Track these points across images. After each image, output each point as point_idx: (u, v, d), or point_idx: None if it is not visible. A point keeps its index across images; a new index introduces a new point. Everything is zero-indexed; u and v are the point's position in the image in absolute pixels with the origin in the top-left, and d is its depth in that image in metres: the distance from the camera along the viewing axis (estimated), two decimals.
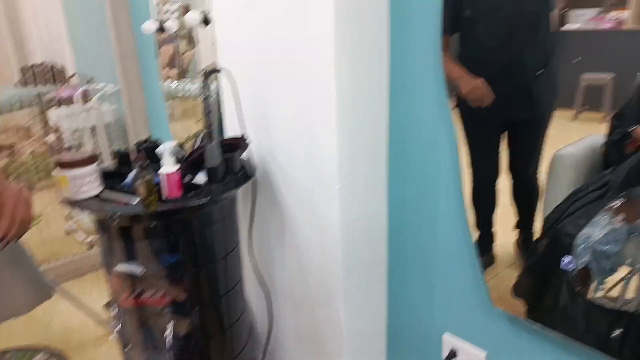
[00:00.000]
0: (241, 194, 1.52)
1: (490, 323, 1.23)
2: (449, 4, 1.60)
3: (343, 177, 1.18)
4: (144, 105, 2.61)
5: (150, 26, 1.96)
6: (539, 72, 1.82)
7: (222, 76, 1.42)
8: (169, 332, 1.33)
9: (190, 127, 3.06)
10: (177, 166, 1.17)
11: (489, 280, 1.49)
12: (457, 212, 1.23)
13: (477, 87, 1.66)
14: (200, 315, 1.35)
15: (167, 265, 1.28)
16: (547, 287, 1.55)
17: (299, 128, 1.25)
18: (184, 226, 1.24)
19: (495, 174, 1.90)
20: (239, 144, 1.32)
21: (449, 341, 1.31)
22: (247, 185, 1.40)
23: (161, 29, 2.02)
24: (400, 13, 1.15)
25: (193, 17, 1.71)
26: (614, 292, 1.57)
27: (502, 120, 1.83)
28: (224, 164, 1.26)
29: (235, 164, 1.29)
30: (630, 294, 1.45)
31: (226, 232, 1.35)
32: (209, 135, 1.17)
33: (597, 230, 1.45)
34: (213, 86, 1.31)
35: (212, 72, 1.15)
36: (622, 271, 1.48)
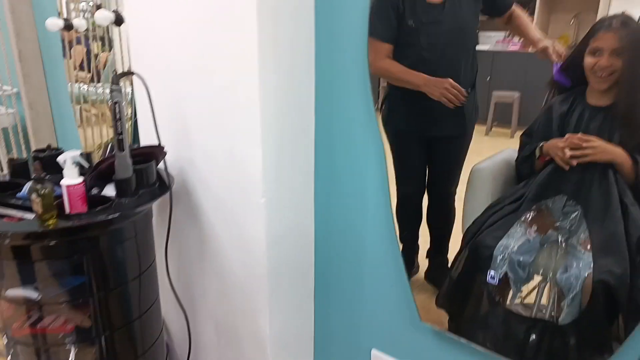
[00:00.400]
0: (158, 207, 1.41)
1: (418, 338, 1.22)
2: (392, 11, 1.59)
3: (268, 190, 1.12)
4: (48, 109, 2.37)
5: (54, 23, 1.78)
6: (469, 88, 1.88)
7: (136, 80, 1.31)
8: None
9: (105, 134, 2.83)
10: (81, 178, 1.04)
11: (415, 293, 1.49)
12: (385, 225, 1.22)
13: (448, 88, 1.64)
14: (109, 342, 1.21)
15: (70, 288, 1.14)
16: (468, 297, 1.59)
17: (221, 138, 1.17)
18: (91, 244, 1.11)
19: (422, 190, 1.92)
20: (155, 153, 1.22)
21: (378, 356, 1.28)
22: (166, 197, 1.30)
23: (69, 27, 1.85)
24: (327, 23, 1.12)
25: (104, 16, 1.58)
26: (529, 300, 1.65)
27: (431, 136, 1.85)
28: (137, 175, 1.15)
29: (150, 175, 1.19)
30: (543, 301, 1.52)
31: (140, 249, 1.23)
32: (119, 144, 1.06)
33: (513, 241, 1.51)
34: (126, 90, 1.19)
35: (121, 76, 1.05)
36: (536, 280, 1.55)
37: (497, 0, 1.81)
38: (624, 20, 1.46)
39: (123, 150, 1.07)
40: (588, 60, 1.48)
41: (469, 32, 1.75)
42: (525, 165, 1.65)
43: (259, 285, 1.22)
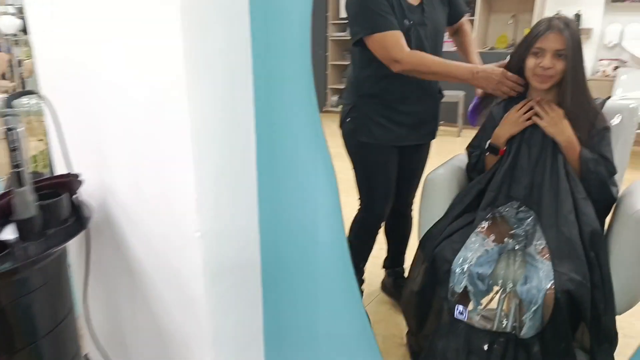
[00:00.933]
0: (79, 244, 1.22)
1: None
2: (389, 7, 1.44)
3: (204, 222, 0.97)
4: None
5: None
6: (439, 91, 1.80)
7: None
8: None
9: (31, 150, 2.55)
10: None
11: (375, 305, 1.39)
12: (339, 253, 1.09)
13: (504, 80, 1.47)
14: None
15: None
16: (428, 311, 1.51)
17: (146, 164, 1.01)
18: None
19: (390, 204, 1.82)
20: (68, 184, 1.03)
21: None
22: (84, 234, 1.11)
23: None
24: (264, 30, 0.98)
25: (8, 23, 1.36)
26: (490, 313, 1.59)
27: (405, 145, 1.74)
28: (45, 212, 0.96)
29: (61, 210, 1.00)
30: (504, 312, 1.46)
31: (53, 299, 1.04)
32: (17, 179, 0.87)
33: (472, 252, 1.44)
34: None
35: (17, 96, 0.87)
36: (496, 291, 1.49)
37: (456, 8, 1.75)
38: (566, 21, 1.44)
39: (23, 185, 0.89)
40: (530, 61, 1.45)
41: (441, 35, 1.69)
42: (475, 174, 1.60)
43: (199, 334, 1.06)
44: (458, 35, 1.83)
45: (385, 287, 2.09)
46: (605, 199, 1.41)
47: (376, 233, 1.81)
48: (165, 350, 1.17)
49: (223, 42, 0.92)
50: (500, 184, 1.50)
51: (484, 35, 5.49)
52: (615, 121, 1.54)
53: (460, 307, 1.34)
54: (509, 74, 1.49)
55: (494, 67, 1.51)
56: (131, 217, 1.10)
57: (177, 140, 0.93)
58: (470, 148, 1.64)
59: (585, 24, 4.79)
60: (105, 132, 1.06)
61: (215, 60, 0.92)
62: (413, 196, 1.93)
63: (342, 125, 1.67)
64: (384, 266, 2.09)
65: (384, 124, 1.62)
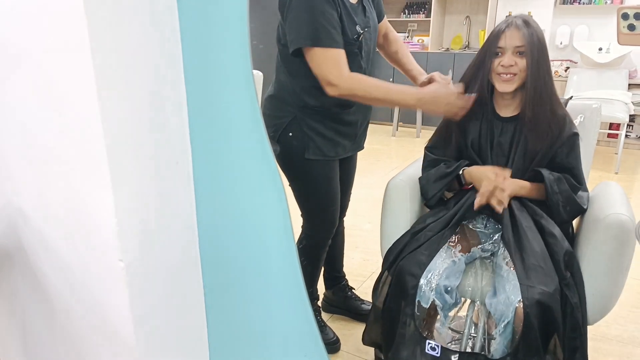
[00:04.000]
0: None
1: None
2: (335, 14, 1.28)
3: (129, 249, 0.81)
4: None
5: None
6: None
7: None
8: None
9: None
10: None
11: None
12: (292, 273, 0.96)
13: (466, 100, 1.37)
14: None
15: None
16: (395, 331, 1.40)
17: (56, 180, 0.84)
18: None
19: (338, 211, 1.69)
20: None
21: None
22: None
23: None
24: (195, 28, 0.84)
25: None
26: (457, 325, 1.50)
27: (346, 156, 1.61)
28: None
29: None
30: (472, 328, 1.38)
31: None
32: None
33: (439, 265, 1.35)
34: None
35: None
36: (464, 304, 1.41)
37: (379, 7, 1.57)
38: (525, 19, 1.37)
39: None
40: (492, 62, 1.37)
41: (376, 37, 1.55)
42: (437, 185, 1.48)
43: None
44: (388, 43, 1.66)
45: (332, 304, 1.96)
46: (575, 213, 1.36)
47: (327, 246, 1.66)
48: None
49: (143, 39, 0.77)
50: (469, 198, 1.42)
51: (439, 36, 5.51)
52: (577, 121, 1.49)
53: (432, 343, 1.24)
54: (461, 94, 1.40)
55: (437, 88, 1.39)
56: (45, 242, 0.92)
57: (90, 154, 0.77)
58: (428, 150, 1.55)
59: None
60: (6, 143, 0.88)
61: (134, 59, 0.76)
62: (347, 206, 1.83)
63: (279, 139, 1.47)
64: (328, 287, 1.95)
65: (332, 138, 1.48)
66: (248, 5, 0.79)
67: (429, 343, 1.23)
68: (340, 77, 1.28)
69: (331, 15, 1.27)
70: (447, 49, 5.47)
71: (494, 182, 1.35)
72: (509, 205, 1.36)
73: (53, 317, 0.98)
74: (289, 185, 1.54)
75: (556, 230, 1.30)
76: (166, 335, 0.92)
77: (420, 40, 5.48)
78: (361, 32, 1.37)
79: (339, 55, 1.29)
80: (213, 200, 0.91)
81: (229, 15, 0.82)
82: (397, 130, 5.14)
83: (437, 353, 1.20)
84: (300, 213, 1.59)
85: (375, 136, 5.03)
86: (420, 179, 1.51)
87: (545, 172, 1.33)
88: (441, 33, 5.54)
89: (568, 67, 4.80)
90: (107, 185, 0.77)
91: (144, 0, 0.76)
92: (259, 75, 2.28)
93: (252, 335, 1.00)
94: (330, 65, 1.27)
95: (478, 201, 1.36)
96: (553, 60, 4.97)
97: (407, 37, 5.59)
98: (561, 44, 4.96)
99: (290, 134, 1.46)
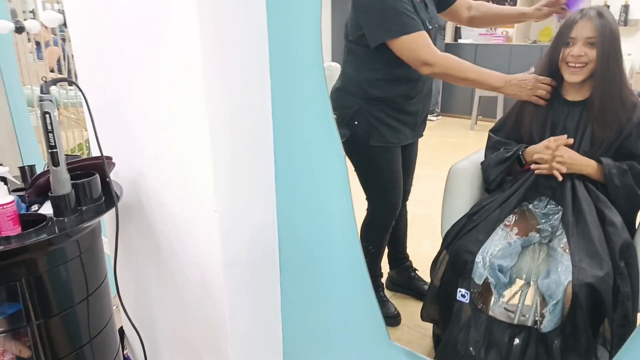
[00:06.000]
0: (109, 221, 1.31)
1: (388, 358, 1.14)
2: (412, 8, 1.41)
3: (221, 203, 1.03)
4: (8, 115, 2.25)
5: (4, 26, 1.67)
6: (430, 87, 1.78)
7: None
8: None
9: (78, 137, 2.71)
10: (11, 197, 0.94)
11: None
12: (351, 237, 1.12)
13: (539, 85, 1.40)
14: None
15: (5, 317, 1.03)
16: (451, 307, 1.50)
17: (168, 148, 1.08)
18: (26, 268, 1.01)
19: (401, 197, 1.82)
20: (100, 166, 1.11)
21: None
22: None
23: (20, 29, 1.73)
24: (281, 22, 1.02)
25: (52, 18, 1.47)
26: (512, 306, 1.57)
27: (410, 142, 1.73)
28: (78, 190, 1.05)
29: (94, 189, 1.08)
30: (526, 306, 1.45)
31: (87, 269, 1.13)
32: (52, 158, 0.96)
33: (494, 245, 1.43)
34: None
35: (52, 83, 0.95)
36: (519, 284, 1.47)
37: None
38: (600, 10, 1.39)
39: (58, 164, 0.97)
40: (563, 52, 1.41)
41: (439, 29, 1.64)
42: (497, 170, 1.56)
43: (219, 309, 1.12)
44: (477, 7, 1.63)
45: (396, 282, 2.07)
46: (636, 207, 1.37)
47: (390, 227, 1.79)
48: (187, 326, 1.24)
49: (240, 30, 0.96)
50: (532, 178, 1.47)
51: (526, 27, 5.30)
52: None
53: (463, 290, 1.33)
54: (541, 77, 1.45)
55: (525, 75, 1.46)
56: (157, 198, 1.17)
57: (195, 127, 0.99)
58: (493, 133, 1.61)
59: (633, 14, 4.54)
60: (131, 118, 1.13)
61: (232, 50, 0.97)
62: (409, 191, 1.93)
63: (346, 127, 1.60)
64: (392, 267, 2.07)
65: (394, 126, 1.60)
66: (321, 9, 0.96)
67: (460, 291, 1.32)
68: (435, 55, 1.37)
69: (407, 3, 1.36)
70: (535, 41, 5.24)
71: (550, 145, 1.37)
72: (573, 188, 1.40)
73: (159, 258, 1.23)
74: (354, 170, 1.67)
75: (617, 219, 1.30)
76: (246, 276, 1.14)
77: (504, 32, 5.31)
78: (430, 27, 1.48)
79: (427, 36, 1.38)
80: (288, 169, 1.10)
81: (304, 18, 0.99)
82: (475, 123, 5.03)
83: (467, 300, 1.30)
84: (365, 196, 1.73)
85: (452, 129, 4.94)
86: (482, 163, 1.58)
87: (609, 164, 1.33)
88: (528, 24, 5.32)
89: None
90: (208, 152, 0.99)
91: (240, 2, 0.95)
92: (336, 66, 2.45)
93: (316, 296, 1.19)
94: (423, 47, 1.37)
95: (535, 166, 1.39)
96: None
97: (491, 29, 5.44)
98: None
99: (356, 122, 1.61)
